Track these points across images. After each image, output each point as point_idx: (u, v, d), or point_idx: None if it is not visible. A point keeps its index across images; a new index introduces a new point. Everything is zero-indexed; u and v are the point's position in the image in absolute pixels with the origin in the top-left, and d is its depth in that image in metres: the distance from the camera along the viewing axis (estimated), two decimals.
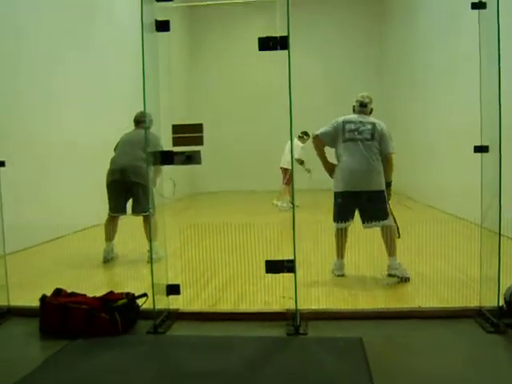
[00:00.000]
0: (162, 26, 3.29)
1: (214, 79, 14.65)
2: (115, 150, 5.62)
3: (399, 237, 4.46)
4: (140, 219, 5.31)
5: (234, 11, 13.83)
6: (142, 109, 3.32)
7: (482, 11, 3.18)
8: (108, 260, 5.32)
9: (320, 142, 4.59)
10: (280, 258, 3.35)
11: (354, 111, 4.68)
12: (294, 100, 3.17)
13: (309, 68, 13.32)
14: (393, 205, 4.62)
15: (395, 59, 12.98)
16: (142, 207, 5.15)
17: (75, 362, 2.86)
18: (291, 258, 3.27)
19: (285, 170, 9.73)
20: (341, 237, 4.51)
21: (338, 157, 4.60)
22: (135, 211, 5.39)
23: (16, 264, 4.22)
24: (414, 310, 3.51)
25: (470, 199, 3.96)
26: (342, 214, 4.49)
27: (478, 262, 3.36)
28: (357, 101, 4.64)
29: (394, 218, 4.52)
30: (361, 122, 4.51)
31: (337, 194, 4.55)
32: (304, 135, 9.66)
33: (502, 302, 3.19)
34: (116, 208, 5.46)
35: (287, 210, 8.91)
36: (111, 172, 5.44)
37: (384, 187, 4.48)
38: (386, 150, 4.49)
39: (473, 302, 3.42)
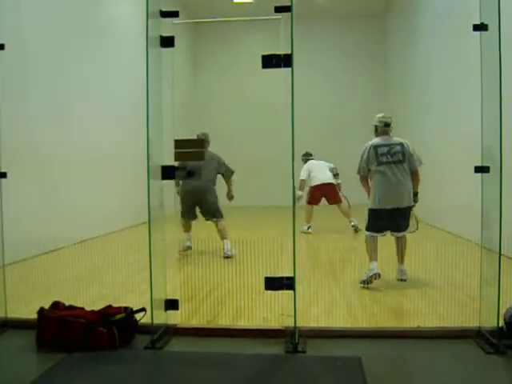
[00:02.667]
0: (167, 41, 3.32)
1: (217, 95, 14.71)
2: None
3: (417, 229, 4.97)
4: None
5: (238, 28, 13.95)
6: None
7: (483, 33, 3.22)
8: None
9: (366, 177, 5.02)
10: (279, 274, 3.34)
11: (376, 131, 5.04)
12: (295, 116, 3.18)
13: (311, 84, 13.39)
14: None
15: (398, 76, 13.06)
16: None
17: (72, 376, 2.83)
18: (291, 275, 3.26)
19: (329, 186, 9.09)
20: (373, 242, 4.88)
21: (372, 177, 4.96)
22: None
23: (14, 275, 4.20)
24: (413, 329, 3.49)
25: (470, 218, 3.96)
26: (376, 226, 4.89)
27: (478, 281, 3.35)
28: (380, 121, 4.98)
29: (416, 218, 5.02)
30: (390, 145, 4.88)
31: (372, 211, 4.96)
32: (309, 156, 9.44)
33: (501, 323, 3.18)
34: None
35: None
36: None
37: (410, 203, 4.92)
38: (414, 166, 4.93)
39: (472, 322, 3.40)
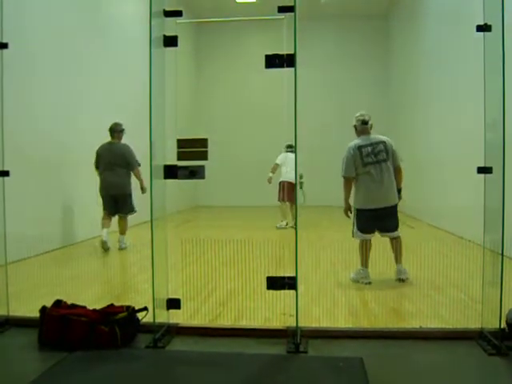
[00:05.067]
0: (170, 41, 3.32)
1: (220, 94, 14.73)
2: None
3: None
4: None
5: (241, 28, 13.96)
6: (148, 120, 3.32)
7: (487, 34, 3.21)
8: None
9: (351, 180, 4.95)
10: (281, 274, 3.34)
11: (356, 130, 5.02)
12: (298, 116, 3.18)
13: (313, 84, 13.37)
14: None
15: (400, 77, 13.06)
16: None
17: (73, 374, 2.84)
18: (292, 274, 3.26)
19: (291, 185, 9.33)
20: (365, 247, 4.89)
21: (358, 177, 4.91)
22: None
23: (16, 274, 4.21)
24: (415, 330, 3.48)
25: (472, 219, 3.95)
26: (366, 227, 4.88)
27: (481, 282, 3.34)
28: (358, 120, 4.98)
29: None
30: (373, 144, 4.88)
31: (360, 211, 4.94)
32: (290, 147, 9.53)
33: (503, 324, 3.17)
34: None
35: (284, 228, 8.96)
36: None
37: (397, 201, 4.96)
38: (397, 162, 4.97)
39: (474, 324, 3.39)
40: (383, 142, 4.90)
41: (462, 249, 4.87)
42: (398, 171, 4.99)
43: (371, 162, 4.85)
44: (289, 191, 9.35)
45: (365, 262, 4.87)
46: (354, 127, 5.05)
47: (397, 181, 4.97)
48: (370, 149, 4.86)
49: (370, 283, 4.78)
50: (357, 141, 4.96)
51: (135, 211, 6.80)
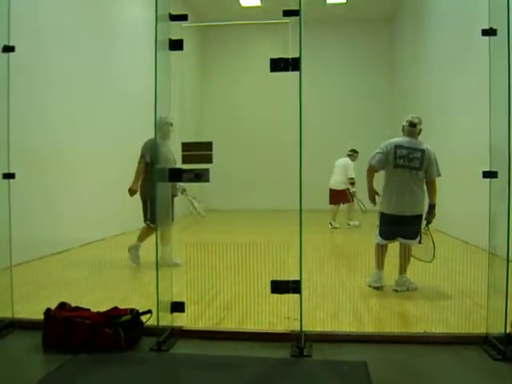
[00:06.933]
0: (176, 44, 3.33)
1: (225, 98, 14.75)
2: None
3: (433, 259, 4.59)
4: None
5: (246, 31, 13.99)
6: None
7: (492, 38, 3.21)
8: None
9: (373, 171, 4.80)
10: (285, 278, 3.34)
11: (402, 131, 4.86)
12: (303, 120, 3.18)
13: (319, 88, 13.39)
14: None
15: (406, 80, 13.03)
16: None
17: (77, 377, 2.84)
18: (297, 278, 3.26)
19: (343, 191, 9.97)
20: (381, 250, 4.78)
21: (386, 178, 4.81)
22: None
23: (21, 276, 4.22)
24: (419, 334, 3.47)
25: (478, 224, 3.94)
26: (387, 232, 4.78)
27: (486, 287, 3.33)
28: (407, 121, 4.83)
29: (433, 240, 4.75)
30: (411, 149, 4.69)
31: (383, 215, 4.82)
32: (354, 153, 9.91)
33: (509, 329, 3.15)
34: None
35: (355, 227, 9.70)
36: None
37: (423, 211, 4.77)
38: (432, 175, 4.73)
39: (479, 329, 3.38)
40: (422, 151, 4.67)
41: (466, 254, 4.85)
42: (430, 184, 4.74)
43: (402, 165, 4.66)
44: (332, 195, 10.08)
45: (380, 264, 4.76)
46: (402, 127, 4.87)
47: (429, 195, 4.76)
48: (405, 152, 4.67)
49: (378, 288, 4.70)
50: (398, 139, 4.79)
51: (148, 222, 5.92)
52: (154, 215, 4.70)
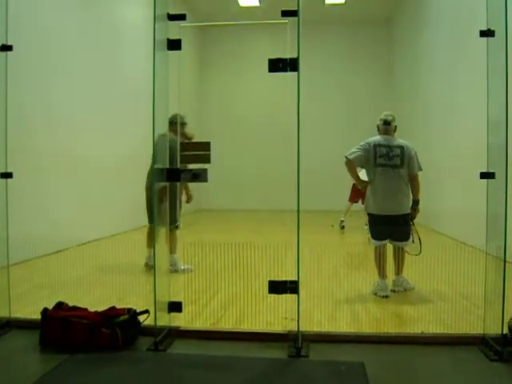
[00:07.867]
0: (174, 44, 3.33)
1: (223, 98, 14.75)
2: None
3: (420, 253, 4.57)
4: None
5: (245, 31, 13.98)
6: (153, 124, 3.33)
7: (490, 39, 3.21)
8: None
9: (353, 165, 4.75)
10: (283, 278, 3.34)
11: (378, 130, 4.84)
12: (301, 120, 3.18)
13: (317, 88, 13.40)
14: None
15: (404, 81, 13.06)
16: None
17: (74, 377, 2.83)
18: (294, 278, 3.26)
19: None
20: (380, 255, 4.69)
21: (369, 178, 4.78)
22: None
23: (18, 275, 4.21)
24: (416, 335, 3.47)
25: (475, 225, 3.95)
26: (377, 233, 4.73)
27: (483, 288, 3.33)
28: (380, 119, 4.81)
29: (418, 235, 4.72)
30: (390, 146, 4.67)
31: (371, 215, 4.81)
32: None
33: (506, 330, 3.15)
34: None
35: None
36: None
37: (409, 210, 4.70)
38: (413, 171, 4.69)
39: (476, 329, 3.38)
40: (401, 147, 4.65)
41: (464, 254, 4.85)
42: (413, 180, 4.69)
43: (383, 164, 4.63)
44: (355, 193, 9.46)
45: (382, 273, 4.63)
46: (376, 126, 4.85)
47: (412, 191, 4.70)
48: (385, 150, 4.64)
49: (387, 297, 4.51)
50: (376, 138, 4.75)
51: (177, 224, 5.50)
52: (175, 216, 5.07)
